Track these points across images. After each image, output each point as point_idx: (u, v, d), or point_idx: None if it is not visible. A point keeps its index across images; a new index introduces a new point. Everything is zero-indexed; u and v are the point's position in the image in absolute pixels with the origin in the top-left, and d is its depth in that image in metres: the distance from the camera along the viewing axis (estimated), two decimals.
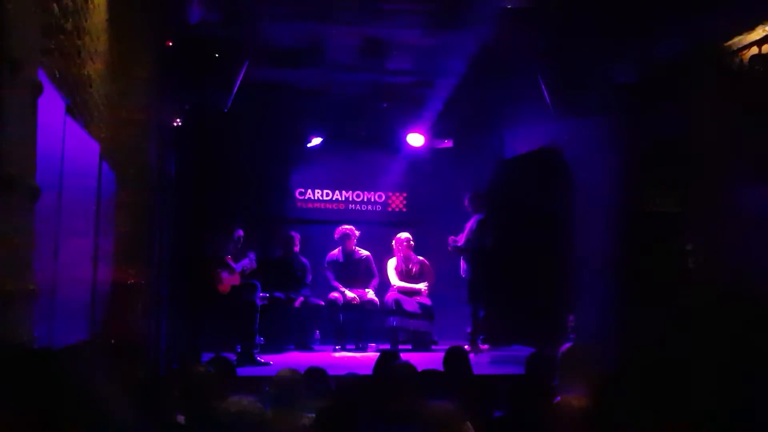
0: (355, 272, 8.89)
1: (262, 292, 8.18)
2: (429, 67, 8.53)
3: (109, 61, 5.11)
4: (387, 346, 8.15)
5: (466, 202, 8.70)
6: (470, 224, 8.59)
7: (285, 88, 8.89)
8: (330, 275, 8.86)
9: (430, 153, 9.86)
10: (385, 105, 9.37)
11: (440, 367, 4.83)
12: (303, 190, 10.08)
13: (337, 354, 8.30)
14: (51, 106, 3.25)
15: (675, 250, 6.14)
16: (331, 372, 4.53)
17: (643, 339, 5.67)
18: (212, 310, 7.63)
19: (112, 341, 4.69)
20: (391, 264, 8.91)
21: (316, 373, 4.38)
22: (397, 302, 8.64)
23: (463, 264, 8.66)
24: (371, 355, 7.72)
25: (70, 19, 3.95)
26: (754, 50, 5.42)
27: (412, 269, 8.93)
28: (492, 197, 9.17)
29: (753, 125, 5.37)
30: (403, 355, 5.29)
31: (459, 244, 8.61)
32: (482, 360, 7.52)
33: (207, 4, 6.80)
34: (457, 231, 8.77)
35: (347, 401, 3.65)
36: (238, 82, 7.93)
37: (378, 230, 9.44)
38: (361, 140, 9.50)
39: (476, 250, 8.47)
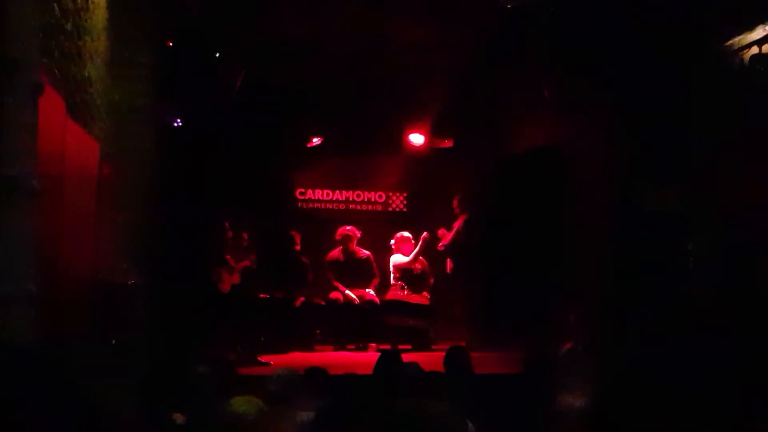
0: (355, 272, 8.88)
1: (263, 291, 8.18)
2: (430, 66, 8.54)
3: (109, 61, 5.11)
4: (387, 346, 8.14)
5: (455, 203, 8.76)
6: (457, 224, 8.65)
7: (285, 88, 8.89)
8: (330, 275, 8.86)
9: (430, 153, 9.86)
10: (385, 105, 9.36)
11: (440, 367, 4.83)
12: (303, 190, 10.08)
13: (337, 353, 8.30)
14: (51, 106, 3.25)
15: (675, 250, 6.14)
16: (331, 372, 4.53)
17: (643, 339, 5.67)
18: (212, 309, 7.63)
19: (112, 341, 4.69)
20: (398, 258, 8.89)
21: (316, 373, 4.38)
22: (397, 302, 8.65)
23: (449, 263, 8.71)
24: (372, 354, 7.72)
25: (71, 19, 3.96)
26: (755, 50, 5.42)
27: (414, 268, 8.93)
28: (491, 197, 9.19)
29: (752, 125, 5.38)
30: (403, 355, 5.28)
31: (446, 243, 8.68)
32: (483, 360, 7.51)
33: (207, 4, 6.80)
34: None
35: (347, 401, 3.65)
36: (238, 82, 7.94)
37: (378, 230, 9.44)
38: (362, 140, 9.49)
39: (464, 250, 8.53)
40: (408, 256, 8.87)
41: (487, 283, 8.74)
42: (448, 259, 8.77)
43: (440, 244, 8.79)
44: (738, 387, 3.97)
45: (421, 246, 8.82)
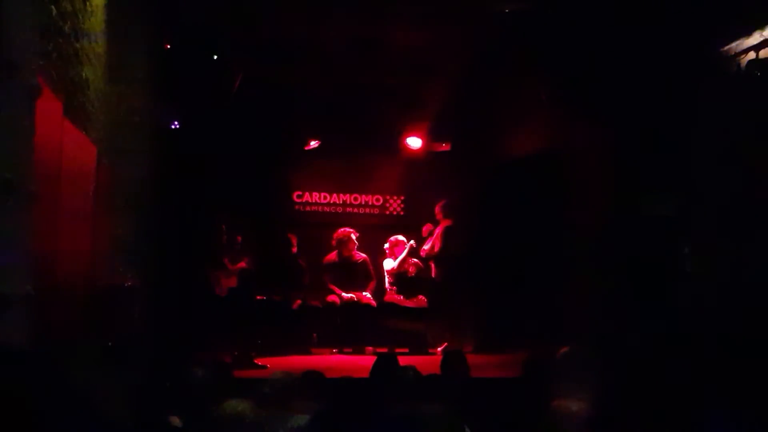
0: (352, 275, 8.88)
1: (260, 294, 8.17)
2: (428, 70, 8.55)
3: (107, 64, 5.11)
4: (384, 350, 8.14)
5: (437, 209, 8.80)
6: (438, 231, 8.70)
7: (283, 91, 8.90)
8: (327, 278, 8.86)
9: (427, 156, 9.87)
10: (383, 108, 9.37)
11: (437, 371, 4.82)
12: (301, 193, 10.07)
13: (334, 357, 8.30)
14: (49, 108, 3.25)
15: (672, 254, 6.15)
16: (328, 375, 4.52)
17: (641, 343, 5.67)
18: (209, 312, 7.62)
19: (109, 343, 4.69)
20: (388, 263, 8.92)
21: (313, 376, 4.37)
22: (394, 305, 8.66)
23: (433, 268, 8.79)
24: (369, 358, 7.71)
25: (69, 22, 3.95)
26: (752, 55, 5.44)
27: (408, 271, 8.94)
28: (489, 200, 9.21)
29: (750, 129, 5.39)
30: (400, 358, 5.28)
31: (427, 249, 8.73)
32: (480, 363, 7.51)
33: (205, 7, 6.81)
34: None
35: (344, 405, 3.64)
36: (236, 85, 7.94)
37: (375, 233, 9.43)
38: (359, 143, 9.50)
39: (446, 256, 8.56)
40: (401, 255, 8.91)
41: (479, 287, 8.75)
42: (432, 265, 8.81)
43: (422, 249, 8.85)
44: (736, 390, 3.97)
45: (406, 253, 8.86)
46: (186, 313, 7.00)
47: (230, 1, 6.92)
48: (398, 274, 8.87)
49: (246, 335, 7.60)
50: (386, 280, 8.94)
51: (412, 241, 8.91)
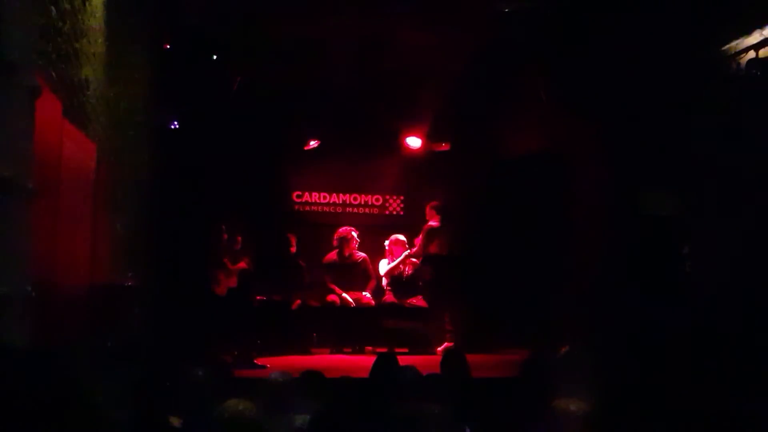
0: (351, 275, 8.88)
1: (260, 294, 8.17)
2: (428, 69, 8.55)
3: (106, 63, 5.11)
4: (384, 349, 8.14)
5: (427, 210, 8.81)
6: (422, 230, 8.72)
7: (282, 90, 8.90)
8: (327, 278, 8.86)
9: (427, 156, 9.87)
10: (382, 108, 9.37)
11: (437, 371, 4.82)
12: (300, 193, 10.08)
13: (334, 356, 8.29)
14: (48, 108, 3.25)
15: (672, 254, 6.15)
16: (327, 375, 4.52)
17: (640, 343, 5.67)
18: (209, 311, 7.62)
19: (109, 343, 4.68)
20: (382, 264, 8.93)
21: (312, 376, 4.37)
22: (394, 305, 8.65)
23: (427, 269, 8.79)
24: (368, 357, 7.70)
25: (68, 21, 3.95)
26: (751, 54, 5.44)
27: (406, 270, 8.95)
28: (488, 200, 9.21)
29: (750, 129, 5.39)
30: (400, 358, 5.27)
31: (416, 250, 8.74)
32: (480, 363, 7.51)
33: (205, 7, 6.81)
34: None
35: (344, 405, 3.64)
36: (236, 85, 7.94)
37: (375, 233, 9.43)
38: (359, 143, 9.50)
39: (434, 256, 8.58)
40: (397, 260, 8.92)
41: (475, 287, 8.75)
42: (425, 265, 8.82)
43: (411, 251, 8.86)
44: (735, 391, 3.98)
45: (402, 258, 8.86)
46: (186, 313, 7.00)
47: (230, 1, 6.92)
48: (393, 276, 8.87)
49: (246, 335, 7.60)
50: (383, 281, 8.94)
51: (408, 250, 8.90)
